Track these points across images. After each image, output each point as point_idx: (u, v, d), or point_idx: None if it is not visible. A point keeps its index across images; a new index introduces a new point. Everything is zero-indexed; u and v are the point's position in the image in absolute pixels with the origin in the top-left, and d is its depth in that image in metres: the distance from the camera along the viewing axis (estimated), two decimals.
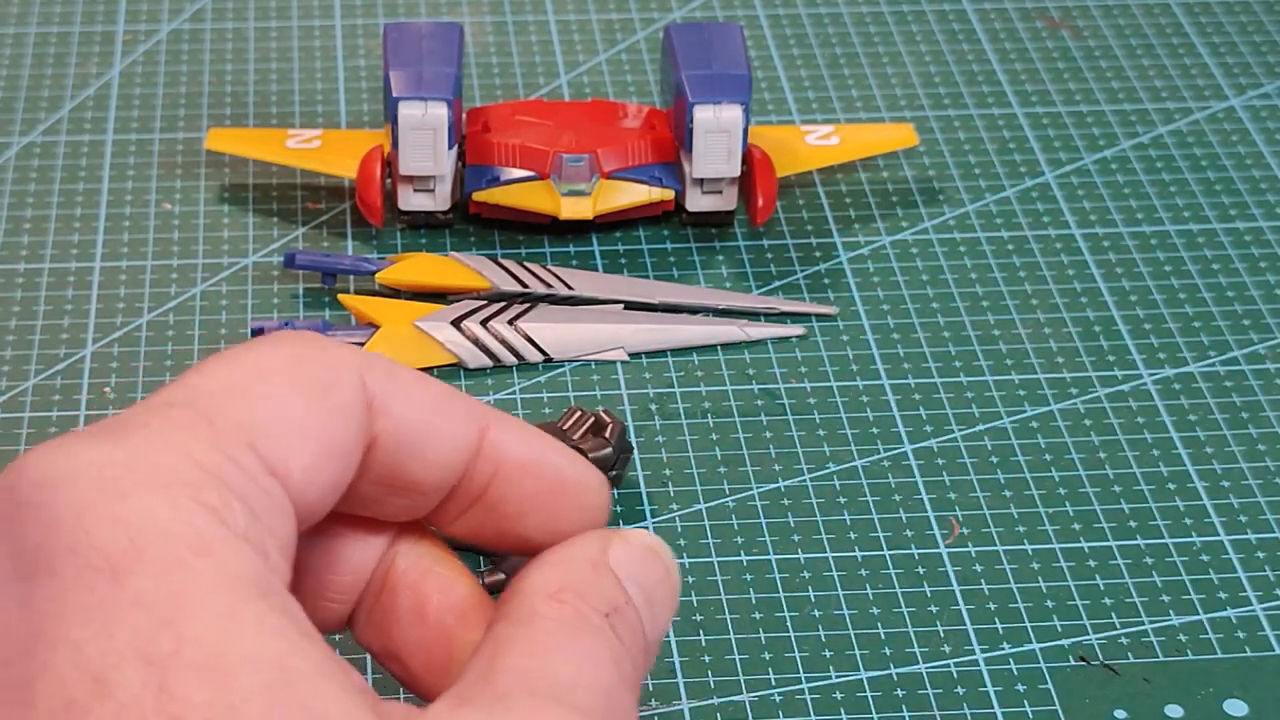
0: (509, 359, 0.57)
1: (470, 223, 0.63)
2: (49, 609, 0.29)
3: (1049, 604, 0.50)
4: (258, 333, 0.57)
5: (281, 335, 0.34)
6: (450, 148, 0.60)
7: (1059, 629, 0.49)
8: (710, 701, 0.47)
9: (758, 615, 0.49)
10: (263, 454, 0.31)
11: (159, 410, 0.31)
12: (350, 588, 0.36)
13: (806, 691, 0.47)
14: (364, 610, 0.36)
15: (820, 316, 0.60)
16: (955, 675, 0.48)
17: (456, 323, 0.57)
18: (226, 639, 0.28)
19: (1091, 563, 0.51)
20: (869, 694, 0.47)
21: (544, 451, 0.36)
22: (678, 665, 0.48)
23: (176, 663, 0.28)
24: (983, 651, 0.49)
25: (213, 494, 0.30)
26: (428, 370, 0.57)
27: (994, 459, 0.54)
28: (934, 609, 0.50)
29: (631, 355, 0.58)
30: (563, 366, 0.58)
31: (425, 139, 0.60)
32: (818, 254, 0.62)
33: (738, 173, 0.61)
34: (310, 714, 0.28)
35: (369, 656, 0.38)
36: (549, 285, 0.59)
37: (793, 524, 0.52)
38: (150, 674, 0.28)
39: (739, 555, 0.51)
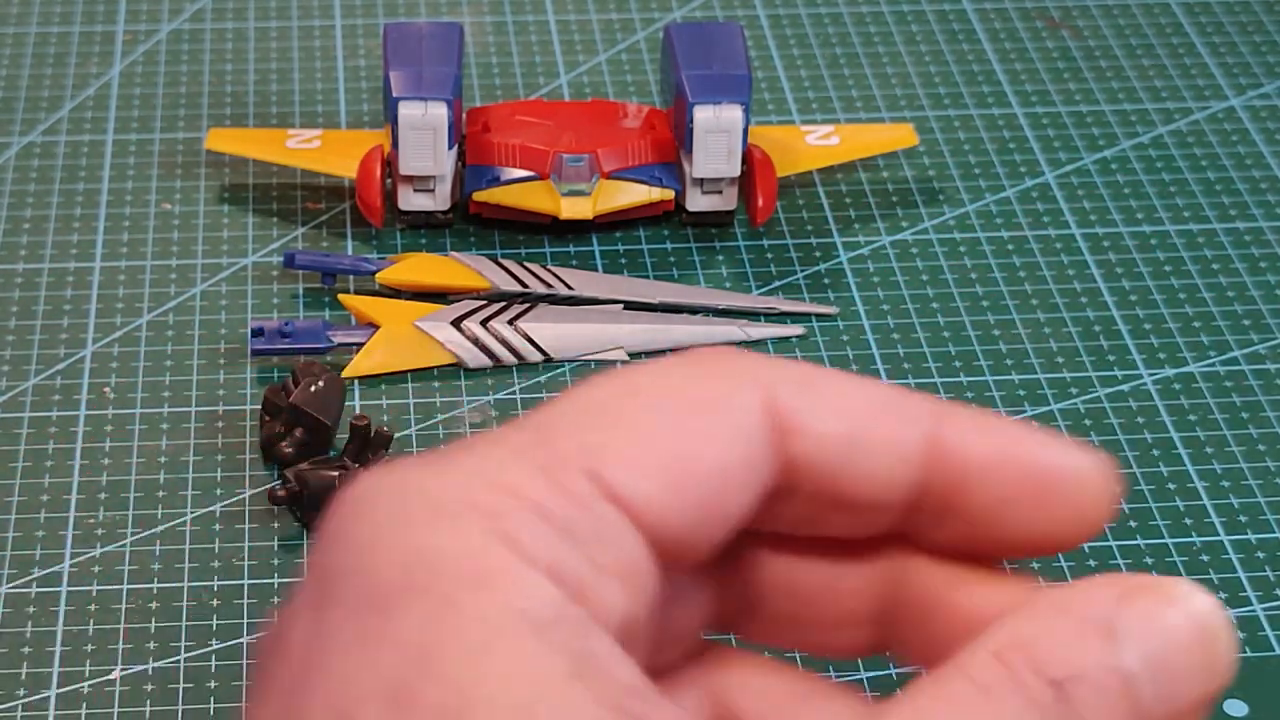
0: (509, 359, 0.57)
1: (470, 223, 0.63)
2: (327, 639, 0.28)
3: None
4: (257, 333, 0.57)
5: (692, 353, 0.31)
6: (450, 148, 0.60)
7: None
8: None
9: None
10: (605, 479, 0.29)
11: (509, 431, 0.29)
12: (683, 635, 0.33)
13: None
14: None
15: (820, 316, 0.60)
16: None
17: (456, 323, 0.57)
18: (473, 680, 0.27)
19: (1092, 562, 0.51)
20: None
21: (1015, 447, 0.31)
22: None
23: (418, 703, 0.27)
24: None
25: (516, 521, 0.28)
26: (428, 370, 0.57)
27: None
28: None
29: (631, 355, 0.58)
30: (563, 366, 0.58)
31: (425, 139, 0.60)
32: (818, 254, 0.62)
33: (738, 173, 0.61)
34: None
35: None
36: (549, 285, 0.59)
37: None
38: (390, 713, 0.27)
39: None
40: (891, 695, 0.28)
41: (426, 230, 0.62)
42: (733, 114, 0.60)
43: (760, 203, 0.61)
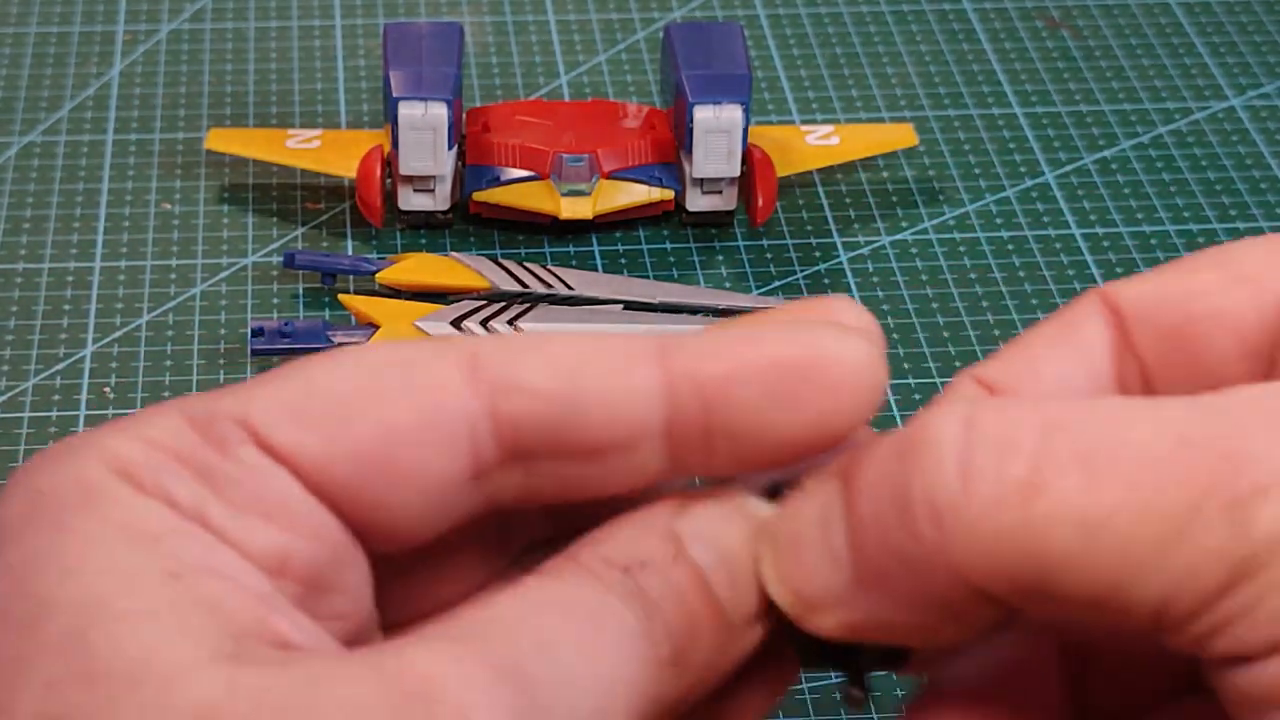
0: None
1: (470, 223, 0.63)
2: None
3: None
4: (257, 333, 0.57)
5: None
6: (450, 148, 0.60)
7: None
8: None
9: None
10: (254, 426, 0.29)
11: (187, 398, 0.30)
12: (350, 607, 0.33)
13: (806, 692, 0.47)
14: None
15: None
16: None
17: (456, 323, 0.57)
18: (58, 588, 0.27)
19: None
20: (869, 693, 0.47)
21: (748, 347, 0.30)
22: None
23: (12, 618, 0.27)
24: None
25: (137, 459, 0.29)
26: None
27: None
28: None
29: None
30: None
31: (425, 139, 0.60)
32: (818, 254, 0.62)
33: (738, 173, 0.61)
34: (96, 659, 0.27)
35: None
36: (549, 285, 0.59)
37: None
38: None
39: None
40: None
41: (426, 230, 0.62)
42: (733, 114, 0.60)
43: (760, 203, 0.61)
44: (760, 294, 0.60)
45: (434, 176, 0.61)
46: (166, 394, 0.56)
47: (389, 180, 0.62)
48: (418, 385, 0.30)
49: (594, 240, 0.62)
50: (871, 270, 0.61)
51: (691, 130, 0.60)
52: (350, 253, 0.62)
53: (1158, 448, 0.27)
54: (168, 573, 0.28)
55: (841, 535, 0.29)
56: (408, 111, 0.59)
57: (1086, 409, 0.28)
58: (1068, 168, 0.66)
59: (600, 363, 0.30)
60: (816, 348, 0.30)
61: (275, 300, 0.60)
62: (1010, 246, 0.63)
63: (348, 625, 0.30)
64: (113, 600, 0.27)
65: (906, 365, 0.58)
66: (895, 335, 0.59)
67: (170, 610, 0.27)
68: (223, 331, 0.59)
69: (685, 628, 0.29)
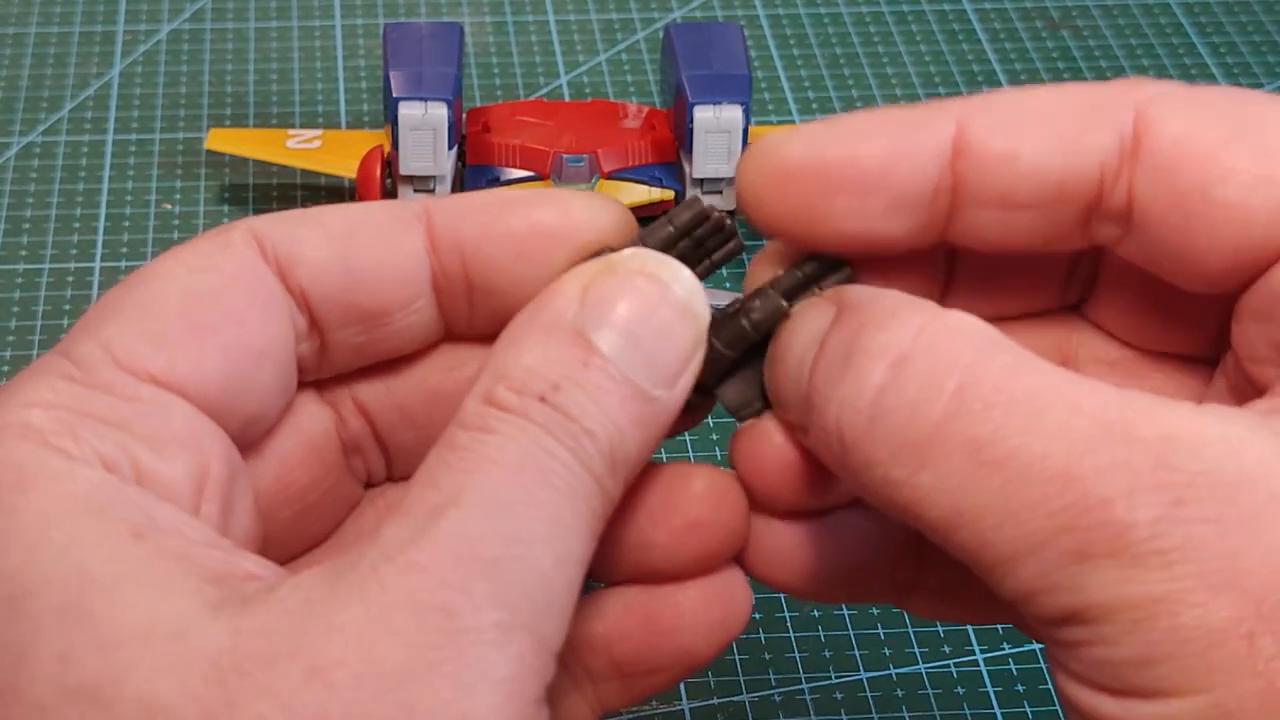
0: None
1: None
2: None
3: None
4: None
5: (190, 238, 0.33)
6: (450, 148, 0.60)
7: None
8: (710, 701, 0.47)
9: (758, 615, 0.49)
10: (127, 363, 0.30)
11: (32, 365, 0.31)
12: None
13: (806, 692, 0.47)
14: None
15: None
16: (955, 675, 0.48)
17: None
18: (31, 566, 0.28)
19: None
20: (869, 694, 0.47)
21: (498, 207, 0.33)
22: None
23: None
24: (983, 652, 0.49)
25: (49, 426, 0.29)
26: None
27: None
28: None
29: None
30: None
31: (425, 139, 0.60)
32: None
33: None
34: (102, 625, 0.27)
35: None
36: None
37: None
38: None
39: None
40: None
41: None
42: (733, 114, 0.60)
43: None
44: None
45: (434, 177, 0.61)
46: None
47: (389, 180, 0.62)
48: (234, 276, 0.32)
49: None
50: None
51: (691, 130, 0.60)
52: None
53: (1041, 469, 0.28)
54: (132, 535, 0.28)
55: (805, 378, 0.31)
56: (408, 111, 0.59)
57: (1004, 382, 0.29)
58: None
59: (370, 229, 0.32)
60: (565, 209, 0.32)
61: None
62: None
63: (251, 544, 0.32)
64: (95, 569, 0.28)
65: None
66: None
67: (150, 570, 0.28)
68: None
69: (613, 430, 0.30)
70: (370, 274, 0.33)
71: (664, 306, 0.31)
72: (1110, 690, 0.28)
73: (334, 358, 0.34)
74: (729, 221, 0.33)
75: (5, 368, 0.57)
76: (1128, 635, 0.28)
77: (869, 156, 0.31)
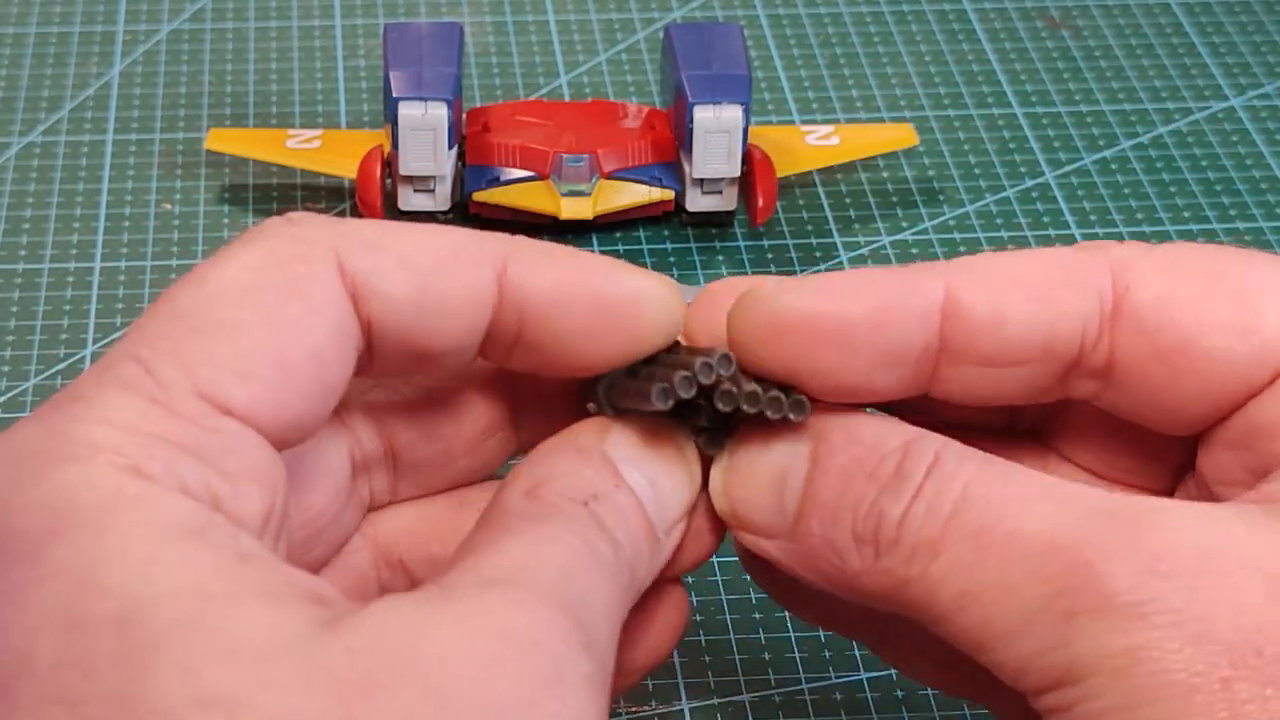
0: None
1: (470, 223, 0.63)
2: None
3: None
4: None
5: (260, 231, 0.32)
6: (450, 148, 0.60)
7: None
8: (710, 701, 0.47)
9: (758, 615, 0.49)
10: (209, 394, 0.30)
11: (102, 370, 0.31)
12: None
13: (806, 692, 0.47)
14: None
15: None
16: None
17: None
18: (141, 583, 0.28)
19: None
20: (869, 694, 0.47)
21: (575, 281, 0.33)
22: (678, 665, 0.48)
23: (91, 619, 0.28)
24: None
25: (139, 453, 0.29)
26: None
27: None
28: None
29: None
30: None
31: (425, 139, 0.60)
32: (818, 254, 0.62)
33: (738, 173, 0.61)
34: (223, 640, 0.27)
35: None
36: None
37: None
38: (69, 636, 0.27)
39: None
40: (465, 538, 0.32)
41: None
42: (733, 114, 0.60)
43: (760, 203, 0.61)
44: None
45: (434, 177, 0.61)
46: None
47: (389, 180, 0.62)
48: (318, 307, 0.31)
49: (594, 240, 0.62)
50: None
51: (691, 130, 0.60)
52: None
53: (1034, 543, 0.31)
54: (237, 556, 0.29)
55: (795, 500, 0.34)
56: (408, 111, 0.59)
57: (999, 487, 0.32)
58: (1068, 168, 0.66)
59: (449, 268, 0.33)
60: (636, 285, 0.33)
61: None
62: (1010, 247, 0.62)
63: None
64: (212, 585, 0.28)
65: None
66: None
67: (260, 589, 0.28)
68: None
69: (634, 548, 0.33)
70: (438, 319, 0.33)
71: (676, 464, 0.34)
72: None
73: (378, 382, 0.34)
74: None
75: (5, 367, 0.57)
76: (1113, 684, 0.30)
77: (859, 316, 0.33)
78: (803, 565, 0.34)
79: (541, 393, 0.36)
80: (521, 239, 0.34)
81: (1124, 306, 0.33)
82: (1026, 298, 0.33)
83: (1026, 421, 0.38)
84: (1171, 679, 0.29)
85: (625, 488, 0.33)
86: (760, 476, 0.34)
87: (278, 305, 0.31)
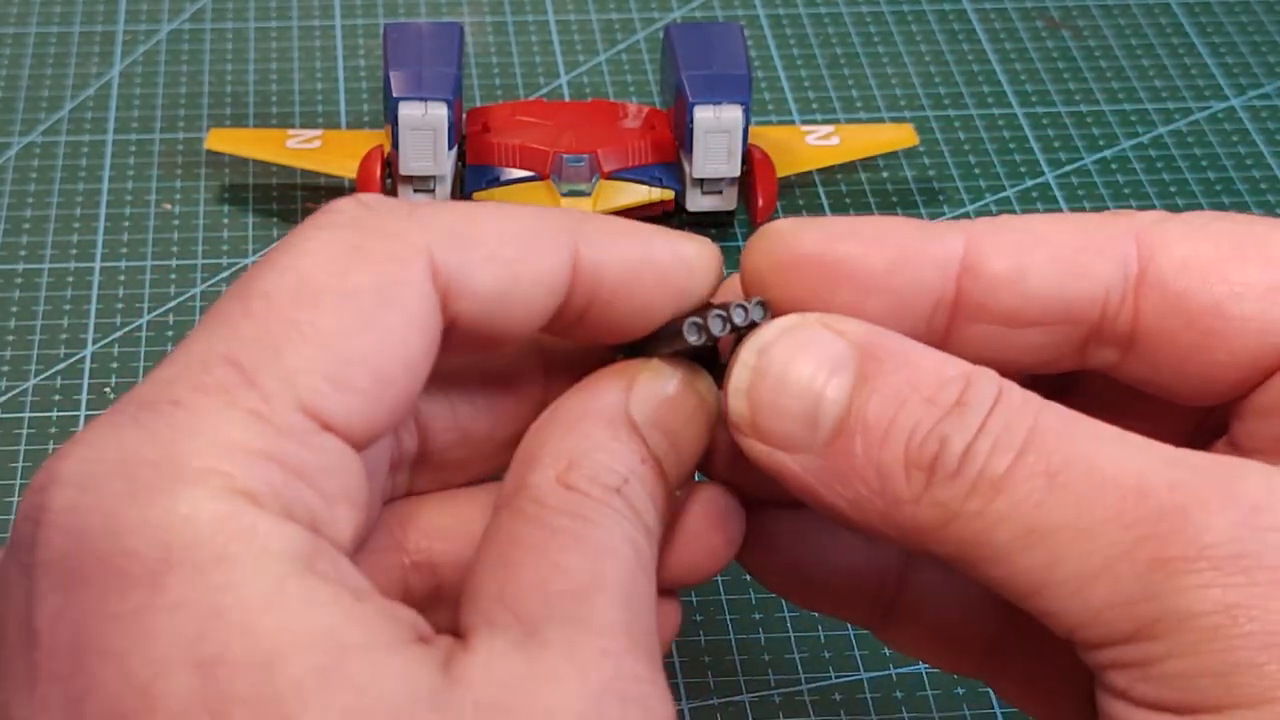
0: None
1: None
2: (89, 621, 0.28)
3: None
4: None
5: (338, 217, 0.31)
6: (450, 148, 0.60)
7: None
8: (710, 701, 0.47)
9: (758, 615, 0.49)
10: (317, 409, 0.29)
11: (198, 370, 0.30)
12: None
13: (806, 692, 0.47)
14: None
15: None
16: (955, 675, 0.48)
17: None
18: (273, 626, 0.27)
19: None
20: (869, 694, 0.47)
21: (641, 254, 0.33)
22: (678, 665, 0.48)
23: (224, 660, 0.27)
24: None
25: (248, 475, 0.28)
26: None
27: None
28: None
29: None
30: None
31: (425, 139, 0.60)
32: None
33: (738, 173, 0.61)
34: (365, 694, 0.27)
35: None
36: None
37: None
38: (199, 678, 0.27)
39: None
40: (495, 517, 0.32)
41: None
42: (733, 114, 0.60)
43: (760, 203, 0.61)
44: None
45: (434, 177, 0.61)
46: None
47: (389, 180, 0.62)
48: (411, 312, 0.31)
49: None
50: None
51: (691, 130, 0.60)
52: None
53: (1117, 485, 0.29)
54: (354, 596, 0.28)
55: (832, 415, 0.31)
56: (408, 111, 0.59)
57: (1071, 426, 0.30)
58: (1068, 168, 0.66)
59: (532, 255, 0.32)
60: (687, 252, 0.33)
61: None
62: None
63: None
64: (339, 630, 0.28)
65: None
66: None
67: (386, 634, 0.28)
68: None
69: (658, 524, 0.32)
70: (518, 307, 0.32)
71: (698, 414, 0.33)
72: (1177, 709, 0.28)
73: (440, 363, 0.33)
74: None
75: (5, 367, 0.57)
76: (1205, 644, 0.28)
77: (877, 256, 0.32)
78: (827, 485, 0.31)
79: (574, 375, 0.35)
80: (584, 214, 0.33)
81: (1150, 271, 0.32)
82: (1050, 257, 0.32)
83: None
84: (1271, 640, 0.27)
85: (650, 459, 0.32)
86: (792, 383, 0.32)
87: (375, 311, 0.30)
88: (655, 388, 0.33)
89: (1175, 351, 0.32)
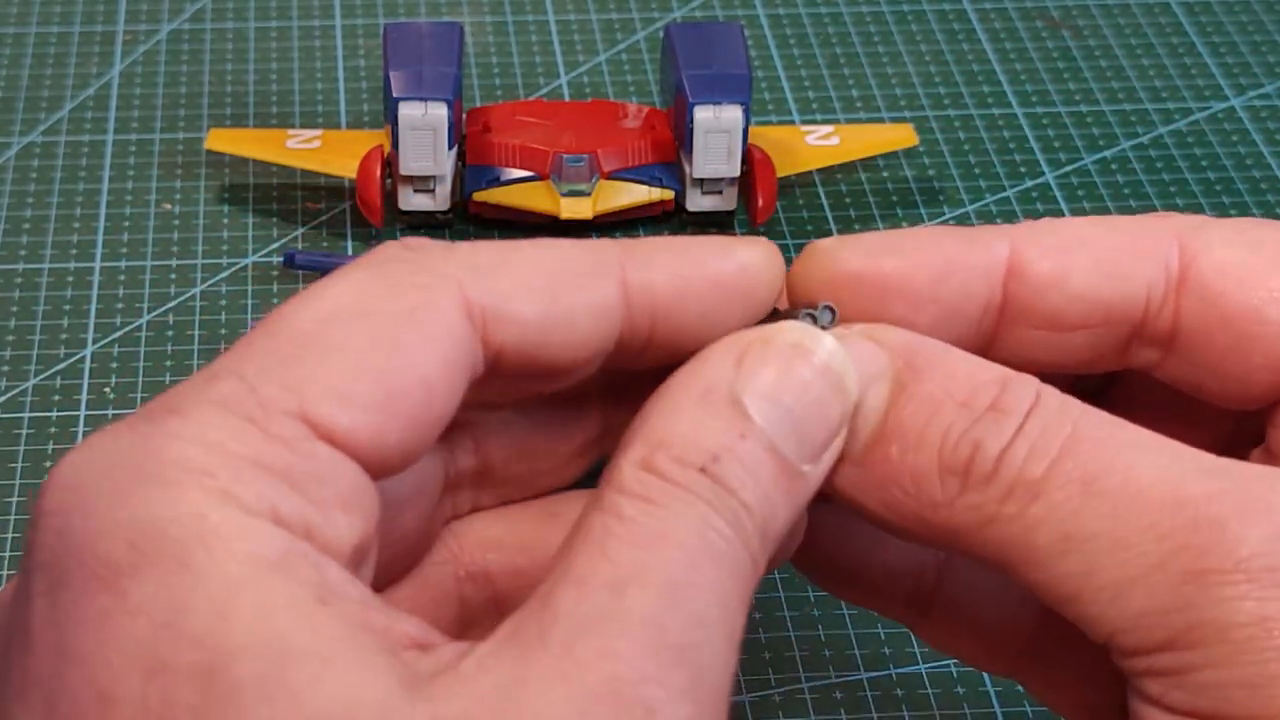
0: None
1: (470, 223, 0.63)
2: (66, 624, 0.28)
3: None
4: None
5: (377, 256, 0.31)
6: (450, 148, 0.60)
7: None
8: None
9: (758, 615, 0.49)
10: (313, 418, 0.29)
11: (203, 384, 0.29)
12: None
13: (806, 691, 0.47)
14: None
15: None
16: (955, 675, 0.48)
17: None
18: (221, 631, 0.27)
19: None
20: (869, 694, 0.47)
21: (694, 269, 0.33)
22: None
23: (175, 668, 0.27)
24: None
25: (230, 477, 0.28)
26: None
27: None
28: None
29: None
30: None
31: (425, 139, 0.60)
32: None
33: (738, 173, 0.61)
34: (302, 702, 0.26)
35: None
36: None
37: None
38: (149, 684, 0.27)
39: None
40: (579, 534, 0.29)
41: (426, 231, 0.62)
42: (733, 114, 0.60)
43: (760, 203, 0.61)
44: None
45: (434, 176, 0.61)
46: None
47: (389, 180, 0.62)
48: (433, 335, 0.30)
49: None
50: None
51: (691, 130, 0.60)
52: (350, 253, 0.62)
53: (1153, 494, 0.29)
54: (317, 599, 0.28)
55: (871, 424, 0.31)
56: (408, 111, 0.59)
57: (1109, 433, 0.30)
58: (1068, 168, 0.66)
59: (573, 285, 0.31)
60: (744, 258, 0.32)
61: (275, 300, 0.60)
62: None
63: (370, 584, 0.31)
64: (291, 638, 0.27)
65: None
66: None
67: (341, 641, 0.27)
68: (223, 331, 0.59)
69: (765, 504, 0.30)
70: (567, 335, 0.32)
71: (818, 380, 0.31)
72: (1210, 718, 0.28)
73: (487, 401, 0.33)
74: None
75: (5, 367, 0.57)
76: (1239, 655, 0.28)
77: (924, 270, 0.33)
78: (867, 494, 0.32)
79: (636, 397, 0.34)
80: (629, 240, 0.33)
81: (1190, 273, 0.33)
82: (1092, 260, 0.33)
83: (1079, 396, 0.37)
84: None
85: (755, 431, 0.30)
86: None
87: (389, 330, 0.30)
88: (768, 357, 0.31)
89: (1213, 353, 0.33)
